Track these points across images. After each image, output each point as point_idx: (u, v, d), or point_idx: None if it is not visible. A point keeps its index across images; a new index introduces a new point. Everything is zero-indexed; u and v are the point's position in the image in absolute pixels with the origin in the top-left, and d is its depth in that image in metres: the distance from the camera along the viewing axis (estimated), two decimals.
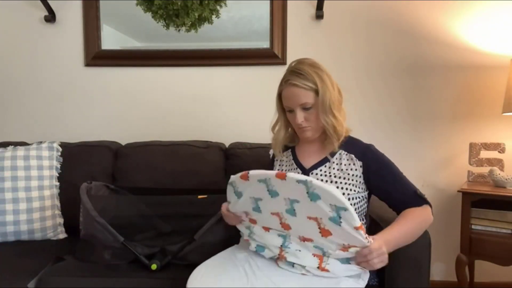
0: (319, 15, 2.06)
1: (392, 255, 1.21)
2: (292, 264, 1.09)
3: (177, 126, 2.14)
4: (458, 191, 1.82)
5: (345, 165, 1.21)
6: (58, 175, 1.78)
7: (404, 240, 1.11)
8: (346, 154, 1.23)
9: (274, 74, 2.12)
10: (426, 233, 1.24)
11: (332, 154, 1.23)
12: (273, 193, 1.03)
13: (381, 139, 2.06)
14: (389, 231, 1.07)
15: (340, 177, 1.20)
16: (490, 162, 1.92)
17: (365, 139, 1.29)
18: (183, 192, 1.62)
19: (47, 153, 1.79)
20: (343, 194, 1.16)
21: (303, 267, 1.07)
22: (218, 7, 1.47)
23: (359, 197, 1.21)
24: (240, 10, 2.07)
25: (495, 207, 1.77)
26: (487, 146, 1.93)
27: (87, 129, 2.16)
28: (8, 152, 1.74)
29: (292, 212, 1.03)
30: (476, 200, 1.77)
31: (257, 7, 2.07)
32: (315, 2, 2.05)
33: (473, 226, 1.80)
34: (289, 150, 1.34)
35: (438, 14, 2.05)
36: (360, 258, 1.01)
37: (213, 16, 1.48)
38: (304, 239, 1.07)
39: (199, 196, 1.57)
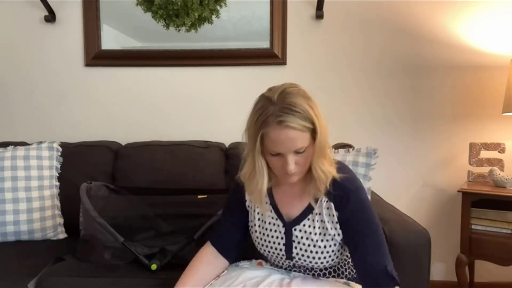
0: (319, 15, 2.06)
1: (392, 255, 1.21)
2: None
3: (177, 126, 2.14)
4: (458, 191, 1.82)
5: (325, 215, 1.03)
6: (58, 175, 1.77)
7: None
8: (327, 202, 1.03)
9: (274, 74, 2.13)
10: (426, 233, 1.25)
11: (315, 201, 1.04)
12: None
13: (381, 140, 2.06)
14: None
15: (321, 234, 1.04)
16: (490, 162, 1.92)
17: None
18: (183, 192, 1.62)
19: (47, 153, 1.78)
20: (322, 253, 1.04)
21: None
22: (218, 7, 1.47)
23: (339, 250, 1.07)
24: (240, 10, 2.07)
25: (495, 207, 1.77)
26: (487, 146, 1.93)
27: (87, 129, 2.16)
28: (8, 152, 1.74)
29: None
30: (476, 200, 1.77)
31: (257, 7, 2.07)
32: (315, 2, 2.04)
33: (473, 226, 1.80)
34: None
35: (438, 14, 2.04)
36: None
37: (213, 16, 1.48)
38: None
39: (199, 196, 1.57)
